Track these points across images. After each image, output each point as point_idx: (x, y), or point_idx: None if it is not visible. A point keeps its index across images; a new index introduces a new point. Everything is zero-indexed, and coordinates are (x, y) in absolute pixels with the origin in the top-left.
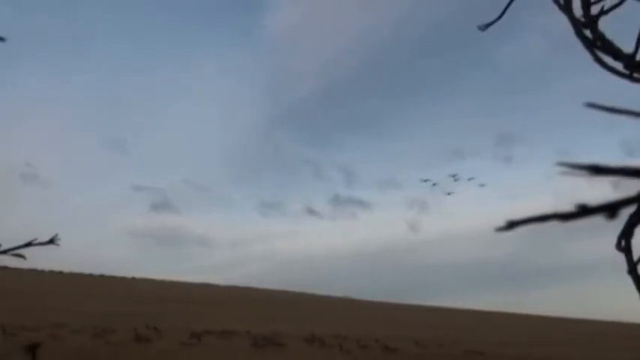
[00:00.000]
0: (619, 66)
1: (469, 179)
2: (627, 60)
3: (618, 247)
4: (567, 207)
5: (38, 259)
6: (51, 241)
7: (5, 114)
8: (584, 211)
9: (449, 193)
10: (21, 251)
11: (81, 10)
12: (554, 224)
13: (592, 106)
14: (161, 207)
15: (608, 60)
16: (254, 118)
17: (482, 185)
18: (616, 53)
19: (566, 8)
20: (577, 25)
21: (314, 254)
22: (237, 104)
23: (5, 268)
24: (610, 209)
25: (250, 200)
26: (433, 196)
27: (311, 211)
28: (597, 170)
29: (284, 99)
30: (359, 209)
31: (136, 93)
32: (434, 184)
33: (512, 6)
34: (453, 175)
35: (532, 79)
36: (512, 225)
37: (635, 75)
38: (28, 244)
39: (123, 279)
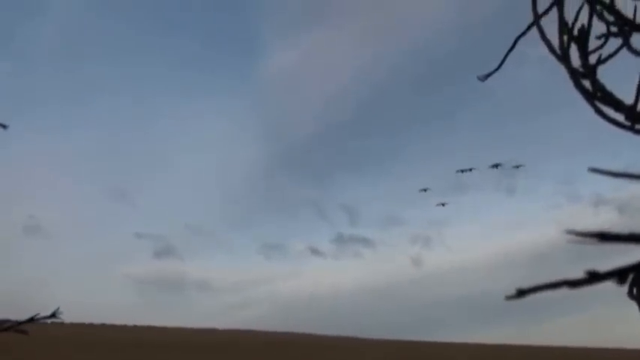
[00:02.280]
0: (620, 117)
1: (442, 204)
2: (628, 111)
3: (630, 295)
4: (577, 274)
5: (40, 309)
6: (53, 315)
7: (8, 168)
8: (593, 277)
9: (443, 204)
10: (24, 327)
11: (81, 63)
12: (554, 254)
13: (596, 170)
14: (163, 253)
15: (609, 111)
16: (254, 161)
17: (444, 204)
18: (617, 104)
19: (564, 58)
20: (576, 76)
21: (318, 294)
22: (237, 148)
23: (7, 320)
24: (620, 274)
25: (252, 243)
26: (436, 231)
27: (314, 251)
28: (605, 237)
29: (283, 141)
30: (362, 247)
31: (136, 142)
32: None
33: (509, 36)
34: (428, 194)
35: (531, 110)
36: (521, 293)
37: (637, 127)
38: (31, 320)
39: (124, 327)
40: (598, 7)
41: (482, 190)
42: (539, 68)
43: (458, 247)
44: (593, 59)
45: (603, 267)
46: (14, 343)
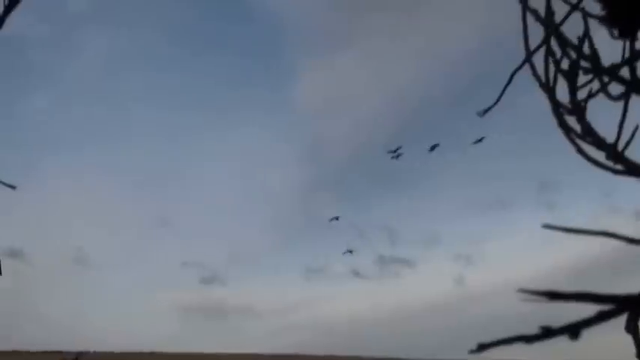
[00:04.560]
0: (601, 155)
1: (348, 252)
2: (610, 150)
3: (627, 329)
4: (532, 330)
5: (89, 340)
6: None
7: (53, 204)
8: (547, 332)
9: (350, 252)
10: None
11: (117, 96)
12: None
13: (549, 227)
14: (207, 281)
15: (591, 150)
16: (293, 184)
17: (352, 252)
18: (599, 142)
19: (549, 94)
20: (560, 115)
21: (360, 316)
22: (276, 172)
23: (60, 352)
24: (573, 330)
25: (294, 267)
26: (477, 249)
27: (355, 273)
28: (554, 296)
29: (320, 163)
30: (403, 268)
31: (175, 171)
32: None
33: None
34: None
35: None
36: (482, 347)
37: (618, 167)
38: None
39: (172, 355)
40: (568, 49)
41: (522, 206)
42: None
43: (499, 265)
44: (582, 94)
45: None
46: None
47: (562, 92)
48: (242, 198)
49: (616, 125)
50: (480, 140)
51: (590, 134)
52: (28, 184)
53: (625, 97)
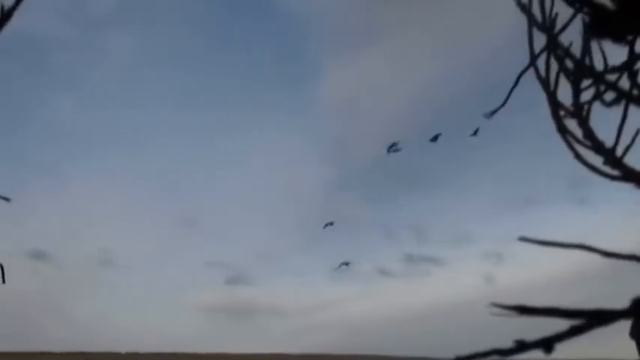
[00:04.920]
0: (599, 160)
1: (344, 265)
2: (608, 154)
3: (631, 335)
4: (506, 344)
5: (114, 341)
6: None
7: (79, 206)
8: (521, 346)
9: (347, 264)
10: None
11: (141, 99)
12: None
13: (525, 239)
14: (232, 281)
15: (590, 154)
16: (319, 183)
17: (347, 264)
18: (598, 147)
19: (548, 94)
20: (559, 119)
21: (388, 315)
22: (301, 171)
23: (84, 353)
24: (546, 344)
25: (320, 266)
26: (507, 247)
27: (383, 272)
28: (524, 311)
29: (346, 162)
30: (432, 266)
31: (200, 171)
32: (346, 264)
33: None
34: (346, 263)
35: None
36: None
37: (615, 173)
38: None
39: (197, 355)
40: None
41: (553, 203)
42: None
43: (530, 263)
44: (588, 95)
45: None
46: None
47: (566, 97)
48: (267, 198)
49: (616, 130)
50: (476, 132)
51: (590, 138)
52: (53, 187)
53: (617, 102)
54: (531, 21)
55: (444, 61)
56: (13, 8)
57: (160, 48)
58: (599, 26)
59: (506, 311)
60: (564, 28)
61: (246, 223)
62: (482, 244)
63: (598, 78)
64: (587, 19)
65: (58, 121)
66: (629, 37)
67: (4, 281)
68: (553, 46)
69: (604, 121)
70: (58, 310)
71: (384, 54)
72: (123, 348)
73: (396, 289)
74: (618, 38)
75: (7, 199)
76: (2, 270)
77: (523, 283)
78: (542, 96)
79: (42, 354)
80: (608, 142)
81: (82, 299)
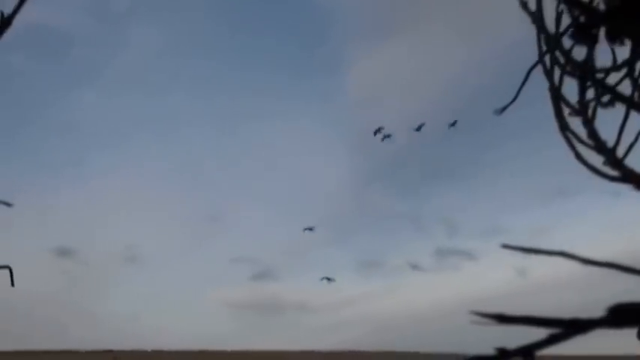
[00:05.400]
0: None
1: (326, 280)
2: (609, 155)
3: (639, 336)
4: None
5: (140, 338)
6: None
7: (101, 202)
8: (503, 353)
9: (328, 279)
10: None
11: (162, 91)
12: None
13: (507, 247)
14: (259, 277)
15: (590, 154)
16: (345, 177)
17: (331, 280)
18: (600, 147)
19: (553, 92)
20: (562, 119)
21: (418, 310)
22: (328, 164)
23: (111, 351)
24: (526, 352)
25: (348, 260)
26: (540, 239)
27: (413, 266)
28: (502, 319)
29: (373, 155)
30: (463, 259)
31: (224, 167)
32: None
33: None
34: (327, 278)
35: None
36: None
37: (614, 174)
38: None
39: (223, 353)
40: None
41: (586, 194)
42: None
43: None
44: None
45: None
46: None
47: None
48: (293, 191)
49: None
50: (454, 124)
51: (593, 138)
52: (76, 182)
53: (612, 104)
54: (541, 11)
55: (470, 50)
56: (14, 14)
57: (183, 38)
58: (585, 29)
59: (485, 319)
60: (567, 30)
61: (271, 218)
62: (514, 236)
63: (594, 79)
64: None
65: (80, 116)
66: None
67: (12, 284)
68: (554, 45)
69: (607, 120)
70: (83, 308)
71: (410, 44)
72: (149, 345)
73: (426, 283)
74: (612, 40)
75: (8, 204)
76: (11, 273)
77: (557, 276)
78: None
79: (67, 352)
80: (611, 143)
81: (107, 296)
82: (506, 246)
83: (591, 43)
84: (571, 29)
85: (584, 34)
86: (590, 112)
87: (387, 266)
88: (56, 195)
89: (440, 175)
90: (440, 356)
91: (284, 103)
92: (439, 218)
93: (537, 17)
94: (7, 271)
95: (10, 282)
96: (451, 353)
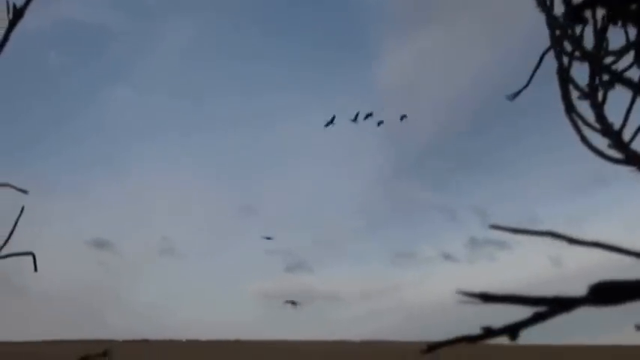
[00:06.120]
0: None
1: (291, 303)
2: (615, 137)
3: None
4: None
5: (176, 328)
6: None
7: (137, 195)
8: (488, 332)
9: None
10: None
11: (196, 85)
12: None
13: (496, 227)
14: (293, 268)
15: (596, 137)
16: (377, 168)
17: (295, 303)
18: (605, 129)
19: (561, 74)
20: (569, 102)
21: (450, 301)
22: (360, 156)
23: (147, 341)
24: (511, 331)
25: (381, 252)
26: (576, 228)
27: (446, 257)
28: (487, 298)
29: (405, 145)
30: (497, 249)
31: (258, 158)
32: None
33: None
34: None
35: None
36: (431, 348)
37: (618, 156)
38: None
39: (256, 342)
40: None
41: (622, 183)
42: None
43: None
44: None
45: None
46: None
47: None
48: (326, 184)
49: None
50: (403, 118)
51: (600, 121)
52: (113, 176)
53: (611, 85)
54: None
55: (504, 39)
56: (25, 6)
57: (215, 34)
58: (578, 10)
59: (470, 299)
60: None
61: (305, 210)
62: (549, 226)
63: (601, 64)
64: None
65: (115, 111)
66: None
67: (36, 269)
68: (561, 31)
69: (614, 104)
70: (120, 299)
71: (441, 36)
72: (184, 335)
73: (460, 273)
74: (612, 22)
75: (24, 192)
76: (34, 258)
77: (592, 265)
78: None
79: (104, 341)
80: (616, 126)
81: (143, 287)
82: (494, 226)
83: (582, 23)
84: (565, 10)
85: (576, 15)
86: (600, 96)
87: (420, 257)
88: (93, 189)
89: (473, 166)
90: (475, 346)
91: (317, 96)
92: (472, 209)
93: (541, 1)
94: (30, 258)
95: (33, 268)
96: (486, 343)
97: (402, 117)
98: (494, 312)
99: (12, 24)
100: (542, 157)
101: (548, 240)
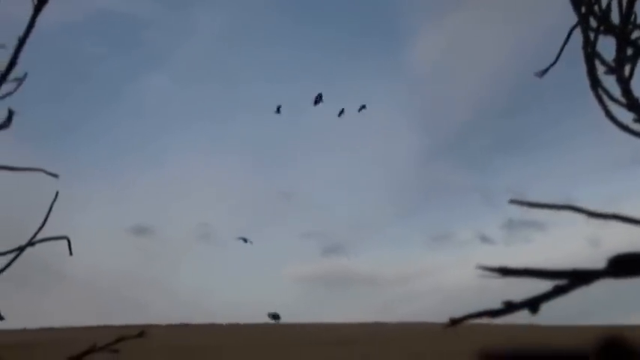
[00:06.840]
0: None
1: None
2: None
3: None
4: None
5: (215, 313)
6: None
7: (174, 181)
8: (510, 307)
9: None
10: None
11: (231, 72)
12: None
13: (515, 202)
14: (329, 251)
15: (622, 111)
16: (413, 150)
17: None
18: (632, 104)
19: (587, 49)
20: (595, 77)
21: (486, 283)
22: (394, 139)
23: (187, 325)
24: (532, 304)
25: (417, 234)
26: (614, 207)
27: (483, 239)
28: (506, 272)
29: (440, 128)
30: (534, 231)
31: (293, 141)
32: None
33: None
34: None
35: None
36: (454, 322)
37: None
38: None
39: (295, 325)
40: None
41: None
42: None
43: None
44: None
45: None
46: (188, 345)
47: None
48: (361, 167)
49: None
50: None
51: (627, 96)
52: (150, 162)
53: (634, 59)
54: None
55: (539, 19)
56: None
57: (247, 21)
58: None
59: (490, 273)
60: None
61: (341, 194)
62: (587, 205)
63: (628, 39)
64: None
65: (151, 98)
66: None
67: (71, 253)
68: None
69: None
70: (160, 284)
71: (473, 17)
72: (224, 320)
73: (496, 255)
74: None
75: (55, 175)
76: (69, 243)
77: (631, 244)
78: None
79: (146, 326)
80: None
81: (182, 273)
82: (513, 201)
83: None
84: None
85: None
86: (627, 70)
87: (457, 239)
88: (132, 176)
89: (509, 147)
90: (510, 327)
91: (349, 80)
92: (509, 190)
93: None
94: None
95: (68, 252)
96: (520, 324)
97: (361, 107)
98: (530, 291)
99: (37, 9)
100: (578, 138)
101: (584, 220)
